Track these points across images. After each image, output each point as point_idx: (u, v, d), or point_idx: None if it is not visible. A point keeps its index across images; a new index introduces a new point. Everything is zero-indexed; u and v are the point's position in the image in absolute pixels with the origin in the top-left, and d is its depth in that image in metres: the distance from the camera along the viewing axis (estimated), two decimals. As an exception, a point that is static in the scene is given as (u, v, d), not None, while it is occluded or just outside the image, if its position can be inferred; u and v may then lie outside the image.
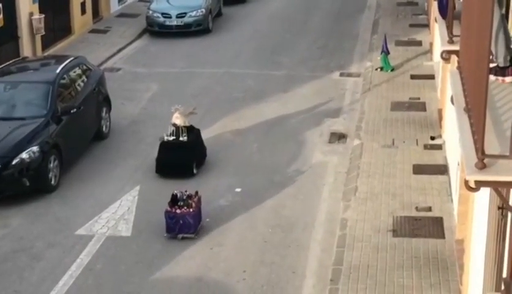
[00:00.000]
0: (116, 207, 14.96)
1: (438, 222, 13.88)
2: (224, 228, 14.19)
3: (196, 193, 14.10)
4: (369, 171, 16.00)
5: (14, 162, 15.26)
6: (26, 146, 15.52)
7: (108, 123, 18.79)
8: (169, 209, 13.71)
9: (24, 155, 15.38)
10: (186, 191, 14.06)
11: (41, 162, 15.56)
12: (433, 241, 13.24)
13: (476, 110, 5.73)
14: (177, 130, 16.30)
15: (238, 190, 15.68)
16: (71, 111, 16.82)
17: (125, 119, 19.69)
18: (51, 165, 15.81)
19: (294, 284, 12.35)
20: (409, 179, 15.59)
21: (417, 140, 17.49)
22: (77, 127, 17.04)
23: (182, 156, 16.06)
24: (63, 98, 17.11)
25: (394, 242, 13.26)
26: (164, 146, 16.34)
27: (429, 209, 14.34)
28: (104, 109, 18.66)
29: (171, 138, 16.31)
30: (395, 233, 13.56)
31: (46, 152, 15.70)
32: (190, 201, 13.80)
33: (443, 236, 13.39)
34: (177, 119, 16.36)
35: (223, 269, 12.84)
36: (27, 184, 15.39)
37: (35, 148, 15.54)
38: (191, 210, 13.66)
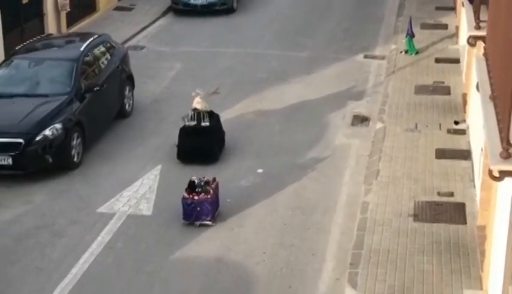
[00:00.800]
0: (137, 186, 15.00)
1: (460, 207, 13.81)
2: (245, 209, 14.18)
3: (214, 179, 13.90)
4: (391, 155, 15.93)
5: (37, 139, 15.34)
6: (49, 123, 15.59)
7: (130, 101, 18.82)
8: (186, 195, 13.51)
9: (48, 132, 15.46)
10: (204, 177, 13.84)
11: (64, 139, 15.63)
12: (455, 227, 13.17)
13: (502, 98, 5.66)
14: (199, 115, 16.00)
15: (260, 171, 15.67)
16: (95, 89, 16.86)
17: (148, 98, 19.71)
18: (74, 143, 15.88)
19: (314, 267, 12.34)
20: (431, 163, 15.51)
21: (440, 124, 17.38)
22: (100, 105, 17.08)
23: (204, 142, 15.78)
24: (87, 76, 17.15)
25: (415, 226, 13.21)
26: (185, 131, 15.98)
27: (451, 194, 14.27)
28: (127, 88, 18.69)
29: (192, 123, 15.98)
30: (417, 217, 13.51)
31: (69, 129, 15.76)
32: (207, 188, 13.58)
33: (464, 222, 13.32)
34: (199, 104, 16.05)
35: (242, 251, 12.85)
36: (50, 160, 15.47)
37: (58, 125, 15.61)
38: (209, 196, 13.46)
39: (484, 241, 11.93)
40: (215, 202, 13.67)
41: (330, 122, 18.08)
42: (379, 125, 17.63)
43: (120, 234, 13.43)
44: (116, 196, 14.71)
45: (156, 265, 12.49)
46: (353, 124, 17.97)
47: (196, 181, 13.67)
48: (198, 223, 13.42)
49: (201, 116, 15.97)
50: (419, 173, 15.11)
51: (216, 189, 13.77)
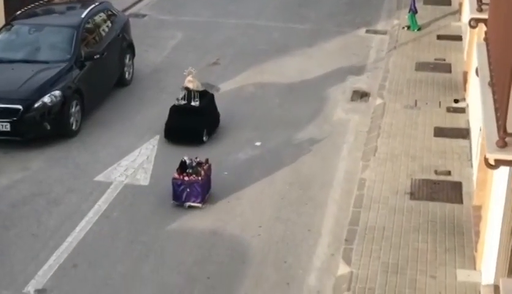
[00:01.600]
0: (135, 156, 15.00)
1: (457, 186, 13.82)
2: (242, 182, 14.19)
3: (207, 160, 13.54)
4: (390, 132, 15.92)
5: (36, 105, 15.32)
6: (48, 89, 15.56)
7: (131, 70, 18.77)
8: (176, 176, 13.16)
9: (46, 98, 15.43)
10: (196, 158, 13.50)
11: (63, 107, 15.60)
12: (451, 206, 13.19)
13: (501, 85, 5.63)
14: (189, 94, 15.51)
15: (258, 144, 15.66)
16: (95, 57, 16.80)
17: (148, 67, 19.66)
18: (73, 110, 15.85)
19: (309, 242, 12.38)
20: (430, 141, 15.51)
21: (440, 102, 17.35)
22: (100, 73, 17.04)
23: (192, 122, 15.32)
24: (87, 43, 17.09)
25: (411, 205, 13.23)
26: (174, 110, 15.55)
27: (448, 173, 14.28)
28: (127, 56, 18.63)
29: (182, 102, 15.52)
30: (413, 195, 13.53)
31: (68, 96, 15.73)
32: (199, 169, 13.24)
33: (461, 201, 13.34)
34: (190, 83, 15.53)
35: (238, 224, 12.88)
36: (48, 127, 15.45)
37: (57, 92, 15.58)
38: (199, 178, 13.09)
39: (479, 221, 11.96)
40: (206, 184, 13.32)
41: (330, 96, 18.04)
42: (378, 101, 17.60)
43: (117, 203, 13.45)
44: (113, 165, 14.72)
45: (151, 236, 12.52)
46: (352, 99, 17.94)
47: (187, 161, 13.33)
48: (187, 204, 13.14)
49: (192, 95, 15.52)
50: (417, 150, 15.11)
51: (208, 171, 13.43)
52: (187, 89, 15.55)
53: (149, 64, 19.86)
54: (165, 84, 18.56)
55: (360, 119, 16.84)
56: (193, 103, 15.46)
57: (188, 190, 13.07)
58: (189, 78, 15.57)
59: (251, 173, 14.50)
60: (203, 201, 13.24)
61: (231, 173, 14.46)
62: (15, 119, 15.14)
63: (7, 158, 14.99)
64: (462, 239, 12.23)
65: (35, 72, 15.90)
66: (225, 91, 18.16)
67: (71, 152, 15.28)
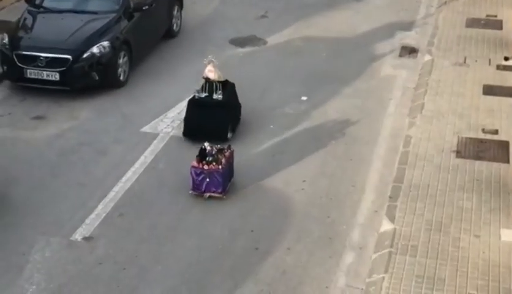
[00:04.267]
0: (181, 108, 15.01)
1: (504, 145, 13.68)
2: (287, 136, 14.21)
3: (229, 146, 12.65)
4: (437, 89, 15.77)
5: (85, 56, 15.44)
6: (97, 40, 15.66)
7: (178, 21, 18.80)
8: (195, 164, 12.20)
9: (95, 49, 15.55)
10: (218, 145, 12.52)
11: (111, 57, 15.71)
12: (497, 165, 13.06)
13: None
14: (211, 85, 13.89)
15: (304, 98, 15.64)
16: (143, 8, 16.84)
17: (196, 19, 19.66)
18: (121, 61, 15.96)
19: (353, 198, 12.40)
20: (478, 99, 15.33)
21: (490, 60, 17.10)
22: (148, 24, 17.09)
23: (215, 118, 13.75)
24: (135, -6, 17.14)
25: (457, 163, 13.14)
26: (194, 104, 13.94)
27: (496, 131, 14.13)
28: (176, 8, 18.65)
29: (203, 94, 13.94)
30: (459, 154, 13.43)
31: (116, 47, 15.83)
32: (219, 157, 12.26)
33: (507, 161, 13.21)
34: (211, 73, 13.83)
35: (283, 178, 12.92)
36: (97, 78, 15.60)
37: (105, 43, 15.68)
38: (220, 167, 12.13)
39: (526, 181, 11.87)
40: (227, 173, 12.35)
41: (377, 51, 17.90)
42: (427, 57, 17.42)
43: (163, 155, 13.57)
44: (160, 116, 14.83)
45: (196, 188, 12.61)
46: (400, 55, 17.78)
47: (207, 149, 12.32)
48: (207, 195, 12.22)
49: (214, 87, 13.92)
50: (465, 108, 14.96)
51: (230, 158, 12.48)
52: (207, 79, 13.90)
53: (197, 16, 19.86)
54: (212, 37, 18.57)
55: (407, 76, 16.70)
56: (215, 96, 13.89)
57: (208, 179, 12.12)
58: (209, 67, 13.89)
59: (296, 128, 14.50)
60: (225, 191, 12.32)
61: (276, 127, 14.49)
62: (64, 69, 15.31)
63: (55, 107, 15.19)
64: (507, 198, 12.14)
65: (84, 22, 16.00)
66: (272, 45, 18.12)
67: (119, 103, 15.42)
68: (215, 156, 12.25)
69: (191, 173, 12.21)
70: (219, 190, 12.23)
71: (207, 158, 12.22)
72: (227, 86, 14.15)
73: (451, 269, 10.47)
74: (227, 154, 12.41)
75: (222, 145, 12.57)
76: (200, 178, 12.15)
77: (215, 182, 12.15)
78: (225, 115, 13.86)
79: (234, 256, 10.99)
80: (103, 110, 15.11)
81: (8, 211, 11.91)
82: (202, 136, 13.33)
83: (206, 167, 12.13)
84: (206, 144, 12.37)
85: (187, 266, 10.76)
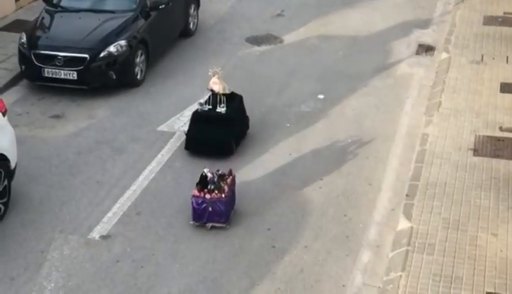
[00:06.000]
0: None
1: (522, 143, 13.66)
2: (304, 134, 14.23)
3: (230, 171, 11.85)
4: (455, 87, 15.73)
5: (102, 55, 15.51)
6: (114, 39, 15.72)
7: (195, 20, 18.84)
8: (197, 193, 11.44)
9: (112, 48, 15.61)
10: (218, 170, 11.72)
11: (129, 56, 15.77)
12: (515, 163, 13.05)
13: None
14: (215, 98, 13.43)
15: (321, 97, 15.64)
16: (160, 7, 16.89)
17: (213, 18, 19.70)
18: (138, 60, 16.02)
19: (369, 196, 12.39)
20: (495, 97, 15.28)
21: (507, 57, 17.04)
22: (165, 23, 17.14)
23: (218, 132, 13.25)
24: (152, -7, 17.18)
25: (474, 161, 13.11)
26: (197, 117, 13.42)
27: (513, 129, 14.10)
28: (192, 6, 18.68)
29: (206, 107, 13.47)
30: (476, 152, 13.39)
31: (133, 46, 15.89)
32: (222, 184, 11.53)
33: (525, 159, 13.19)
34: (216, 85, 13.36)
35: (299, 176, 12.94)
36: (114, 77, 15.66)
37: (123, 42, 15.74)
38: (223, 196, 11.40)
39: (544, 179, 11.82)
40: (230, 201, 11.65)
41: (394, 49, 17.88)
42: (444, 55, 17.37)
43: (180, 153, 13.60)
44: (176, 115, 14.88)
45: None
46: (417, 53, 17.75)
47: (209, 176, 11.56)
48: (209, 225, 11.49)
49: (218, 99, 13.47)
50: (482, 106, 14.91)
51: (232, 185, 11.72)
52: (212, 91, 13.49)
53: (213, 14, 19.90)
54: (229, 35, 18.61)
55: (424, 73, 16.67)
56: (218, 109, 13.40)
57: (210, 209, 11.35)
58: (214, 79, 13.44)
59: (313, 126, 14.51)
60: (228, 220, 11.61)
61: (293, 125, 14.50)
62: (81, 67, 15.38)
63: (73, 106, 15.27)
64: (525, 197, 12.11)
65: (101, 22, 16.07)
66: (288, 43, 18.14)
67: (136, 102, 15.48)
68: (217, 184, 11.54)
69: (192, 202, 11.48)
70: (222, 220, 11.50)
71: (209, 187, 11.50)
72: (234, 99, 13.70)
73: (468, 268, 10.45)
74: (229, 180, 11.66)
75: (223, 171, 11.83)
76: (202, 208, 11.42)
77: (218, 211, 11.43)
78: (229, 129, 13.37)
79: (251, 254, 11.01)
80: (120, 109, 15.17)
81: (27, 209, 11.99)
82: (204, 150, 13.26)
83: (208, 196, 11.40)
84: (206, 170, 11.69)
85: (203, 264, 10.79)
